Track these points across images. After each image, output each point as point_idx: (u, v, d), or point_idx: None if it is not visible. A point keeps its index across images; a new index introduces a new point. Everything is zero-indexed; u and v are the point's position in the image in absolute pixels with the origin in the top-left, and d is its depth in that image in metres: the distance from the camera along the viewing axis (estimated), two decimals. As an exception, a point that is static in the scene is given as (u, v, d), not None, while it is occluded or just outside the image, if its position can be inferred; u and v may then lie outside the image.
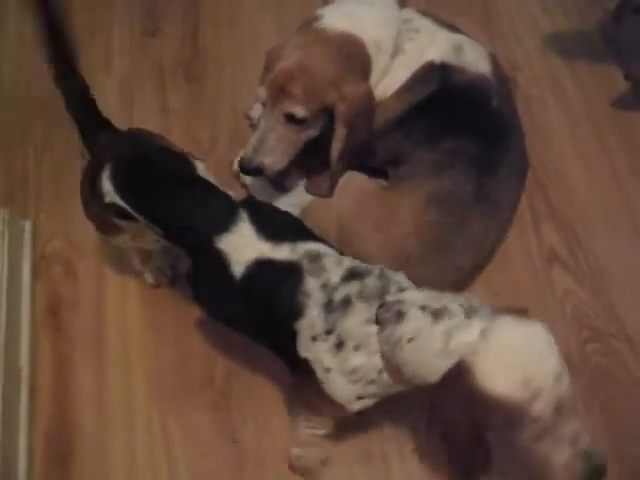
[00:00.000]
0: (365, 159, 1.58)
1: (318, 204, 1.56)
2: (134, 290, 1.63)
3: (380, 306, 1.09)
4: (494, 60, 1.58)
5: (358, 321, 1.10)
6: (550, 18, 2.05)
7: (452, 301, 1.04)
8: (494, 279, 1.63)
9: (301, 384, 1.29)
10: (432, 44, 1.51)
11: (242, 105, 1.88)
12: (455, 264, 1.49)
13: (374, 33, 1.47)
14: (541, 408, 0.94)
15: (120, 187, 1.26)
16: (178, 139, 1.76)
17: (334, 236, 1.48)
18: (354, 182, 1.54)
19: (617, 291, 1.61)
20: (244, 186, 1.73)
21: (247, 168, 1.51)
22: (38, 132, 1.87)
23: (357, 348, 1.11)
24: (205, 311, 1.35)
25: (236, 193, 1.63)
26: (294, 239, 1.19)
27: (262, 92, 1.46)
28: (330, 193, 1.55)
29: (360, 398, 1.17)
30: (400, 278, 1.16)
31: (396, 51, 1.49)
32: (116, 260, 1.65)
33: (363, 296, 1.11)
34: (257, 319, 1.23)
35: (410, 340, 1.03)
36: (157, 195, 1.26)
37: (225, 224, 1.19)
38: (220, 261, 1.19)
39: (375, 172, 1.59)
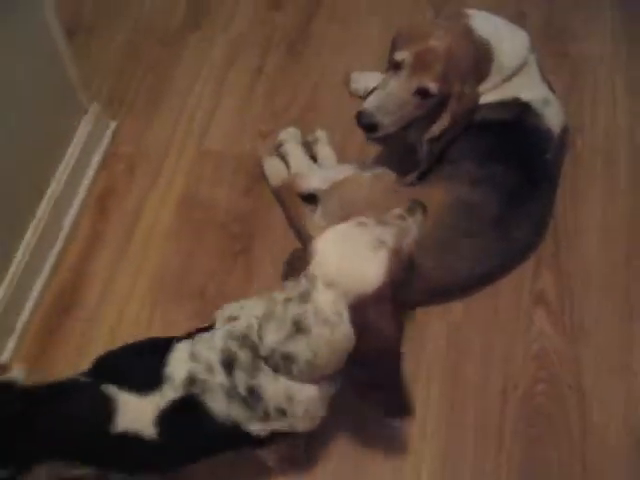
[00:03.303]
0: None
1: (350, 182, 1.67)
2: (174, 203, 1.89)
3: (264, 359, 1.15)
4: (565, 128, 1.73)
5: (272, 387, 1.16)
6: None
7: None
8: (477, 300, 1.71)
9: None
10: (529, 88, 1.65)
11: (326, 82, 2.07)
12: (453, 266, 1.58)
13: (505, 57, 1.61)
14: None
15: None
16: (258, 97, 2.06)
17: (361, 209, 1.51)
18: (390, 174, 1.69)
19: (589, 353, 1.63)
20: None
21: (364, 121, 1.63)
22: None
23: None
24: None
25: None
26: None
27: (402, 55, 1.56)
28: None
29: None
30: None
31: (507, 79, 1.63)
32: (170, 176, 1.93)
33: (244, 369, 1.16)
34: None
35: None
36: None
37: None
38: None
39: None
